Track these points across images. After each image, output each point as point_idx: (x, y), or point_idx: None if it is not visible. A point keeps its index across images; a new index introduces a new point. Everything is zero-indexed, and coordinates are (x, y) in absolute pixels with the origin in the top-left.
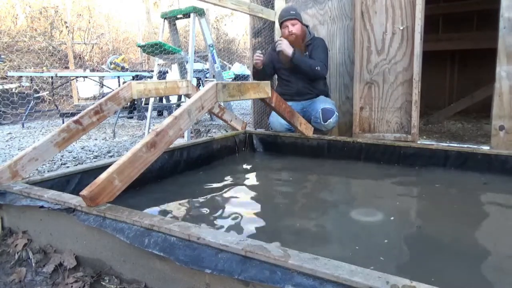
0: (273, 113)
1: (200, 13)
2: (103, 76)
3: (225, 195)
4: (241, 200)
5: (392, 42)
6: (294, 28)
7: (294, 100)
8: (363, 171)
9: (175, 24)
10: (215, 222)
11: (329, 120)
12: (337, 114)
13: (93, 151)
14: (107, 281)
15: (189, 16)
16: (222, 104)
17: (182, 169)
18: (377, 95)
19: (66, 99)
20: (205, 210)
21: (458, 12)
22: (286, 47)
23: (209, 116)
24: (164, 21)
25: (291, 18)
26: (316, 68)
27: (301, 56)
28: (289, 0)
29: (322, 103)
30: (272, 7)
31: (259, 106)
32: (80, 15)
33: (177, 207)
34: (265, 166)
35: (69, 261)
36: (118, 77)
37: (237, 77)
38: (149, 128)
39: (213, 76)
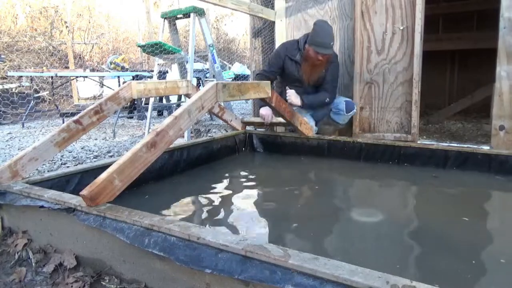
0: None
1: (200, 13)
2: (103, 76)
3: (225, 195)
4: (241, 200)
5: (392, 42)
6: (324, 58)
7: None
8: (363, 171)
9: (175, 24)
10: (215, 222)
11: (352, 111)
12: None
13: (93, 151)
14: (107, 281)
15: (189, 16)
16: (222, 104)
17: (182, 169)
18: (377, 95)
19: (66, 99)
20: (205, 210)
21: (458, 12)
22: (294, 100)
23: (209, 116)
24: (164, 21)
25: (327, 54)
26: (326, 100)
27: (309, 99)
28: (289, 0)
29: (343, 97)
30: (272, 7)
31: (259, 106)
32: (80, 15)
33: (177, 207)
34: (265, 166)
35: (69, 261)
36: (118, 77)
37: (237, 77)
38: (149, 128)
39: (213, 76)
